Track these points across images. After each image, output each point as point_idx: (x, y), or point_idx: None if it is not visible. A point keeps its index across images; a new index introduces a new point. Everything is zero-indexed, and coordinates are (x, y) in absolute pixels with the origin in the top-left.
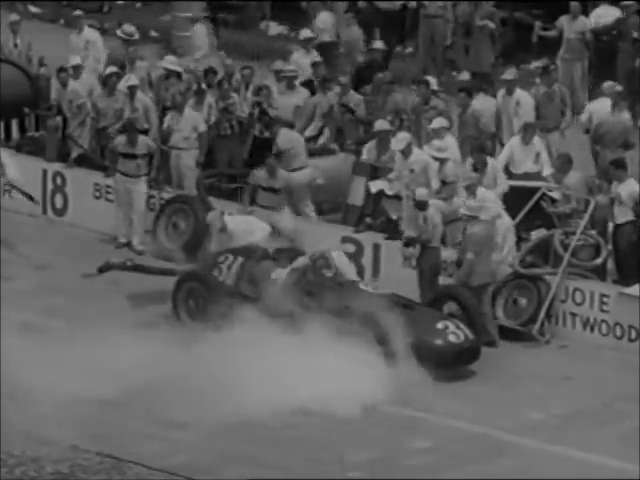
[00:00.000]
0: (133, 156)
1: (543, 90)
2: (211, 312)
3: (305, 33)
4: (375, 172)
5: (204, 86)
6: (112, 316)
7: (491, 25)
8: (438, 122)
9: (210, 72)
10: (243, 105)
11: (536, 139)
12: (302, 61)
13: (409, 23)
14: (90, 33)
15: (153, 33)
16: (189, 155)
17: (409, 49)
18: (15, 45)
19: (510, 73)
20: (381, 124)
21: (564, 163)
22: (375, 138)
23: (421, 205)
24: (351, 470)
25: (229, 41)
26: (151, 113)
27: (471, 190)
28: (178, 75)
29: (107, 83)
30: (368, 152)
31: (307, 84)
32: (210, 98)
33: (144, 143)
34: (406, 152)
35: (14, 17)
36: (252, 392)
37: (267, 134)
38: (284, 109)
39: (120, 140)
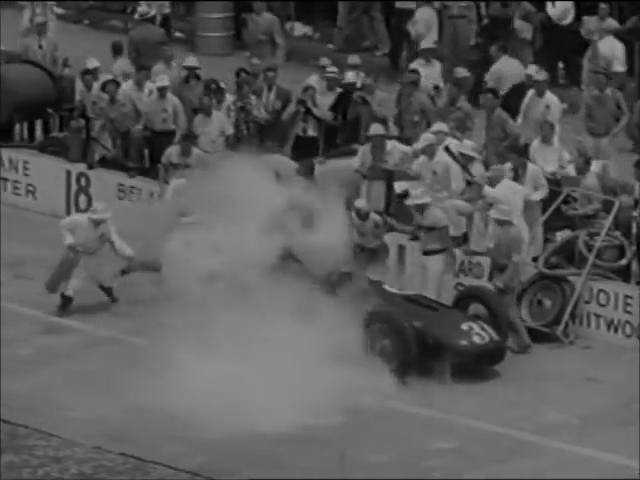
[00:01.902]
0: (186, 167)
1: (594, 93)
2: None
3: (426, 43)
4: (391, 175)
5: (222, 85)
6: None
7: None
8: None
9: (241, 71)
10: (260, 107)
11: (555, 139)
12: (423, 71)
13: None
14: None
15: (177, 34)
16: None
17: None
18: (40, 47)
19: (541, 74)
20: (375, 128)
21: (583, 164)
22: (369, 142)
23: (361, 215)
24: (352, 470)
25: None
26: (180, 114)
27: (494, 181)
28: (197, 77)
29: (106, 91)
30: (362, 156)
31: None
32: (229, 98)
33: (196, 154)
34: (429, 153)
35: (40, 19)
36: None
37: (310, 133)
38: (323, 109)
39: (172, 151)
